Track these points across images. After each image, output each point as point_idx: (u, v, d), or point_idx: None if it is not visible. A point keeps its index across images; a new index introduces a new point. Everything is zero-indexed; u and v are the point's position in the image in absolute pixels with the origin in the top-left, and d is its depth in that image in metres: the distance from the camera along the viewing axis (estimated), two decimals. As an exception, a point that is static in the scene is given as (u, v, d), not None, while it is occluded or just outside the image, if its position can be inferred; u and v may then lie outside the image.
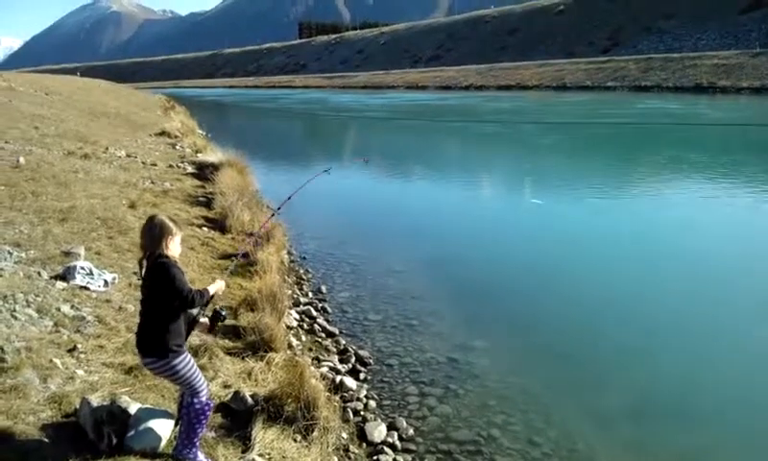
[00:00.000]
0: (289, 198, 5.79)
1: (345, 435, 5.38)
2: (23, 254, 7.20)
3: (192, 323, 3.99)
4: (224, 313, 4.24)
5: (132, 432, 3.97)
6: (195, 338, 5.51)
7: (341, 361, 6.95)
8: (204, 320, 4.15)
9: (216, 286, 4.08)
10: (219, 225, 10.97)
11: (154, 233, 3.76)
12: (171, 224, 3.83)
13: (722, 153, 24.15)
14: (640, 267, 10.26)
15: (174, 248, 3.82)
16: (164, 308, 3.74)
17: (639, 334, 7.71)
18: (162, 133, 24.64)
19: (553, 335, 7.79)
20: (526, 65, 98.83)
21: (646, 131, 32.05)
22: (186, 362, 3.84)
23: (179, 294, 3.68)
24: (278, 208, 5.80)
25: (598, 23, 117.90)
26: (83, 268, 6.82)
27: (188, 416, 3.89)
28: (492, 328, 7.95)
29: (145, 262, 3.77)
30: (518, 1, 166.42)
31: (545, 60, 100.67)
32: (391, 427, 5.62)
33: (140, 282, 3.88)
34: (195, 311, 3.96)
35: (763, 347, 7.32)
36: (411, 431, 5.60)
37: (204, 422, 3.97)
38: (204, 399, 3.91)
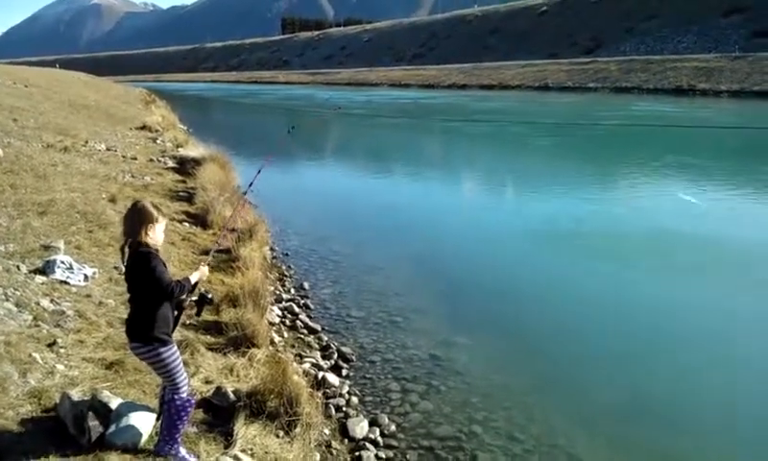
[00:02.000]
0: (259, 172, 5.75)
1: (327, 431, 5.39)
2: (2, 248, 7.09)
3: (179, 307, 3.98)
4: (210, 296, 4.27)
5: (114, 427, 3.94)
6: (176, 333, 5.47)
7: (323, 357, 6.96)
8: (191, 301, 4.15)
9: (198, 274, 4.05)
10: (200, 220, 10.89)
11: (133, 220, 3.69)
12: (153, 210, 3.74)
13: (723, 156, 24.14)
14: (626, 268, 10.33)
15: (155, 236, 3.74)
16: (148, 298, 3.71)
17: (622, 334, 7.80)
18: (143, 127, 24.38)
19: (535, 333, 7.86)
20: (508, 65, 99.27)
21: (640, 132, 32.25)
22: (172, 354, 3.81)
23: (158, 286, 3.64)
24: (250, 185, 5.75)
25: (581, 24, 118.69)
26: (62, 262, 6.74)
27: (169, 412, 3.87)
28: (474, 326, 8.00)
29: (127, 250, 3.71)
30: (502, 0, 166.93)
31: (528, 60, 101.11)
32: (373, 423, 5.64)
33: (121, 275, 3.86)
34: (183, 296, 3.94)
35: (749, 350, 7.41)
36: (393, 427, 5.63)
37: (185, 418, 3.94)
38: (184, 395, 3.88)
